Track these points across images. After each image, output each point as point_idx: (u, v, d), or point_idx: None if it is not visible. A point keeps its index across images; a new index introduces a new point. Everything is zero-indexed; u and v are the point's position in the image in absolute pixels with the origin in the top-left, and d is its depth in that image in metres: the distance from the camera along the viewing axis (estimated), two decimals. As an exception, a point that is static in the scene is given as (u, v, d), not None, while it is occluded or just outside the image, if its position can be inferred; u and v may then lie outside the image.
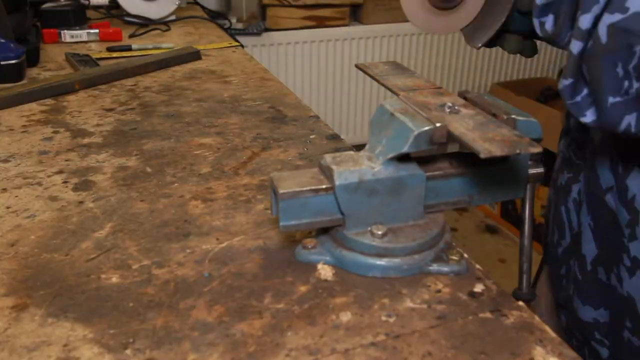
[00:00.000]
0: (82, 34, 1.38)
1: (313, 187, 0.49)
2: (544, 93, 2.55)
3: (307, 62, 2.78)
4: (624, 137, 0.56)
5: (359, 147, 0.56)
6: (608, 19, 0.49)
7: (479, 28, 0.67)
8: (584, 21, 0.51)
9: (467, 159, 0.55)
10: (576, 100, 0.54)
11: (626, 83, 0.51)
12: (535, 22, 0.59)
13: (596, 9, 0.50)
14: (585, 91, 0.54)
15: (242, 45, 1.36)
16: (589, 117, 0.54)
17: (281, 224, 0.49)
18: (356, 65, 0.67)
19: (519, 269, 0.59)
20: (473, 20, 0.65)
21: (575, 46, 0.52)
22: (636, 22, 0.48)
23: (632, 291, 0.66)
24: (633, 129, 0.52)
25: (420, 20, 0.63)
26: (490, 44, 0.69)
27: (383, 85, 0.65)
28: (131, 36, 1.43)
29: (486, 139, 0.47)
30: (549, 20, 0.58)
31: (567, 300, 0.76)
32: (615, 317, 0.70)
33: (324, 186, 0.49)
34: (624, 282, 0.66)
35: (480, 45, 0.67)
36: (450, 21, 0.64)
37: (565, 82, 0.54)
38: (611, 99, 0.52)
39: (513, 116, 0.53)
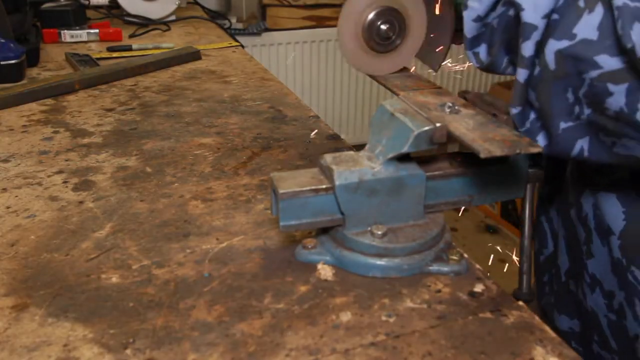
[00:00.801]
0: (82, 34, 1.38)
1: (313, 187, 0.49)
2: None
3: (307, 62, 2.78)
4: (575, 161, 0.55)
5: (359, 147, 0.56)
6: (554, 45, 0.48)
7: (429, 54, 0.68)
8: (526, 48, 0.50)
9: (467, 159, 0.55)
10: (526, 127, 0.53)
11: (577, 108, 0.50)
12: (469, 54, 0.58)
13: (536, 35, 0.49)
14: (532, 116, 0.53)
15: (242, 45, 1.36)
16: (540, 142, 0.53)
17: (281, 224, 0.49)
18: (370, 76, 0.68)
19: (519, 269, 0.59)
20: (420, 50, 0.66)
21: (521, 74, 0.51)
22: (584, 49, 0.47)
23: (594, 306, 0.66)
24: (586, 153, 0.52)
25: (359, 63, 0.64)
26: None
27: (383, 85, 0.65)
28: (131, 36, 1.43)
29: (486, 139, 0.47)
30: (482, 51, 0.57)
31: (548, 307, 0.77)
32: (585, 329, 0.70)
33: (324, 186, 0.49)
34: (587, 297, 0.67)
35: (437, 68, 0.68)
36: (389, 63, 0.65)
37: (514, 110, 0.53)
38: (563, 124, 0.51)
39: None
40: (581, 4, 0.48)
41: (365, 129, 2.90)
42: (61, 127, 0.84)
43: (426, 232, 0.51)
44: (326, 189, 0.49)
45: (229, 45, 1.35)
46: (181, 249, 0.54)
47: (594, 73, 0.47)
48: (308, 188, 0.49)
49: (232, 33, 1.87)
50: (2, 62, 1.04)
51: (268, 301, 0.46)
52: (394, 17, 0.62)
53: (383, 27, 0.62)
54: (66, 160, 0.73)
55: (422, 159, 0.53)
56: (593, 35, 0.47)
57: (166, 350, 0.41)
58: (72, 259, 0.52)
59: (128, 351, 0.41)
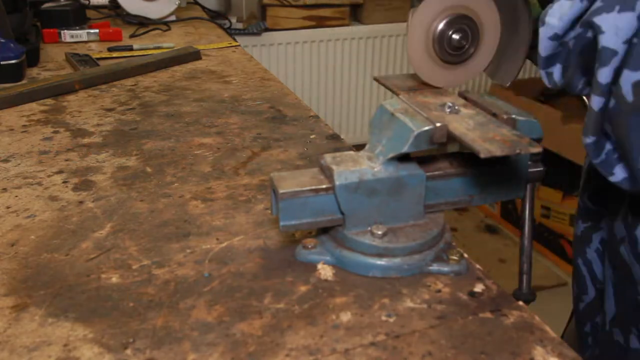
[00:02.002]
0: (82, 34, 1.38)
1: (313, 187, 0.49)
2: (544, 93, 2.55)
3: (307, 62, 2.78)
4: None
5: (359, 147, 0.56)
6: (631, 76, 0.44)
7: (500, 69, 0.64)
8: (603, 75, 0.46)
9: (467, 159, 0.55)
10: (602, 159, 0.49)
11: None
12: (542, 74, 0.54)
13: (615, 61, 0.45)
14: (608, 147, 0.49)
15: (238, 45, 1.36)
16: (618, 175, 0.49)
17: (281, 224, 0.49)
18: (375, 78, 0.65)
19: (519, 269, 0.59)
20: (490, 65, 0.62)
21: (596, 102, 0.47)
22: None
23: None
24: None
25: (427, 74, 0.59)
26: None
27: (383, 85, 0.65)
28: (132, 36, 1.43)
29: (486, 139, 0.47)
30: (556, 71, 0.53)
31: None
32: None
33: (324, 186, 0.49)
34: None
35: (508, 85, 0.64)
36: (459, 75, 0.61)
37: (588, 140, 0.49)
38: None
39: (513, 116, 0.53)
40: None
41: (365, 129, 2.90)
42: (61, 127, 0.84)
43: (426, 232, 0.51)
44: (326, 189, 0.49)
45: (229, 45, 1.35)
46: (181, 249, 0.54)
47: None
48: (308, 188, 0.49)
49: (232, 33, 1.87)
50: (2, 62, 1.04)
51: (268, 301, 0.46)
52: (467, 25, 0.58)
53: (455, 36, 0.57)
54: (66, 160, 0.73)
55: (422, 159, 0.53)
56: None
57: (166, 350, 0.41)
58: (72, 259, 0.52)
59: (128, 351, 0.41)
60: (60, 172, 0.70)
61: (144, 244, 0.54)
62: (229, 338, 0.42)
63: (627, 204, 0.60)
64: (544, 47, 0.52)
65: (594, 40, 0.47)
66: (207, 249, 0.53)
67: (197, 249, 0.54)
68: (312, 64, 2.79)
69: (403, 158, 0.50)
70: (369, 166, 0.50)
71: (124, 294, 0.47)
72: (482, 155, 0.45)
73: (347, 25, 2.80)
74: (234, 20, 2.52)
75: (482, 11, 0.59)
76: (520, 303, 0.46)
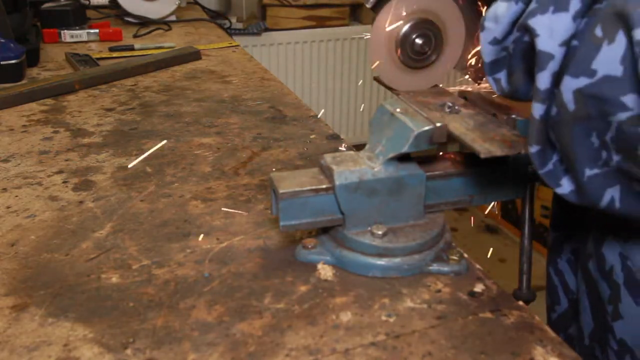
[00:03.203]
0: (82, 34, 1.38)
1: (313, 187, 0.49)
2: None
3: (307, 62, 2.78)
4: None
5: (359, 147, 0.56)
6: (572, 83, 0.41)
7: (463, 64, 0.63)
8: (541, 80, 0.43)
9: (467, 159, 0.55)
10: (548, 169, 0.46)
11: (604, 154, 0.43)
12: (490, 80, 0.51)
13: (553, 66, 0.42)
14: (555, 157, 0.46)
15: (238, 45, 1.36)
16: (565, 187, 0.46)
17: (281, 223, 0.49)
18: (375, 78, 0.64)
19: (519, 269, 0.59)
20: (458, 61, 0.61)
21: (537, 109, 0.44)
22: (608, 88, 0.40)
23: None
24: (617, 204, 0.44)
25: (390, 78, 0.59)
26: None
27: (383, 85, 0.65)
28: (135, 36, 1.43)
29: (486, 139, 0.47)
30: (503, 77, 0.50)
31: None
32: None
33: (324, 186, 0.49)
34: None
35: (479, 82, 0.63)
36: (423, 79, 0.60)
37: (532, 149, 0.46)
38: (588, 171, 0.44)
39: (513, 116, 0.53)
40: (598, 32, 0.40)
41: (365, 129, 2.89)
42: (61, 127, 0.84)
43: (426, 232, 0.51)
44: (326, 189, 0.49)
45: (229, 45, 1.35)
46: (181, 249, 0.54)
47: (622, 116, 0.40)
48: (308, 188, 0.49)
49: (232, 33, 1.87)
50: (2, 62, 1.04)
51: (268, 301, 0.46)
52: (430, 29, 0.57)
53: (418, 41, 0.57)
54: (66, 160, 0.73)
55: (422, 159, 0.53)
56: (617, 71, 0.39)
57: (166, 350, 0.41)
58: (72, 259, 0.52)
59: (128, 351, 0.41)
60: (60, 172, 0.70)
61: (144, 244, 0.54)
62: (229, 338, 0.42)
63: (594, 218, 0.58)
64: (486, 52, 0.49)
65: (532, 44, 0.44)
66: (207, 249, 0.53)
67: (197, 249, 0.54)
68: (312, 64, 2.79)
69: (403, 158, 0.50)
70: (369, 166, 0.50)
71: (124, 294, 0.47)
72: (482, 156, 0.45)
73: (347, 25, 2.80)
74: (234, 20, 2.52)
75: (446, 16, 0.57)
76: (520, 303, 0.46)
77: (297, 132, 0.82)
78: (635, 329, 0.54)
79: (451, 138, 0.49)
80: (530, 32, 0.43)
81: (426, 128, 0.48)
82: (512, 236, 2.59)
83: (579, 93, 0.41)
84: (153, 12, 1.56)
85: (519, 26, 0.45)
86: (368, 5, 0.56)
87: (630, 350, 0.55)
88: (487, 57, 0.49)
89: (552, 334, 0.42)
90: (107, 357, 0.41)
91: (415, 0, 0.57)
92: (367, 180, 0.49)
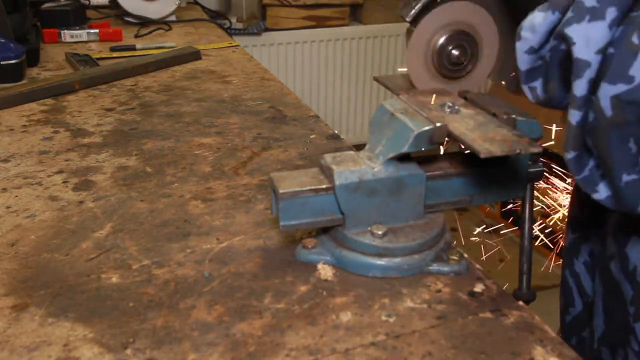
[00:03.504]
0: (82, 34, 1.38)
1: (313, 187, 0.49)
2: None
3: (307, 62, 2.78)
4: None
5: (359, 147, 0.56)
6: (610, 89, 0.42)
7: (503, 75, 0.64)
8: (578, 88, 0.44)
9: (467, 159, 0.55)
10: (585, 175, 0.47)
11: None
12: (525, 89, 0.52)
13: (589, 73, 0.43)
14: (592, 163, 0.47)
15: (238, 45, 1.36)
16: (602, 193, 0.47)
17: (281, 223, 0.49)
18: (375, 78, 0.64)
19: (519, 269, 0.59)
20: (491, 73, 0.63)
21: (574, 116, 0.45)
22: None
23: None
24: None
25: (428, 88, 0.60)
26: None
27: (383, 84, 0.65)
28: (136, 36, 1.43)
29: (486, 139, 0.47)
30: (539, 86, 0.52)
31: None
32: None
33: (324, 186, 0.49)
34: None
35: (513, 89, 0.63)
36: (459, 89, 0.61)
37: (569, 155, 0.47)
38: (626, 177, 0.44)
39: (513, 116, 0.53)
40: (635, 39, 0.41)
41: (365, 129, 2.89)
42: (61, 127, 0.84)
43: (426, 232, 0.51)
44: (326, 189, 0.49)
45: (229, 45, 1.35)
46: (181, 249, 0.54)
47: None
48: (308, 188, 0.49)
49: (232, 33, 1.87)
50: (2, 62, 1.04)
51: (268, 301, 0.46)
52: (466, 41, 0.58)
53: (454, 52, 0.58)
54: (66, 160, 0.73)
55: (422, 159, 0.53)
56: None
57: (166, 350, 0.41)
58: (72, 259, 0.52)
59: (128, 351, 0.41)
60: (60, 172, 0.70)
61: (144, 244, 0.54)
62: (229, 338, 0.42)
63: (617, 219, 0.58)
64: (522, 61, 0.50)
65: (568, 52, 0.46)
66: (207, 249, 0.53)
67: (197, 248, 0.54)
68: (312, 64, 2.79)
69: (403, 158, 0.50)
70: (369, 166, 0.50)
71: (124, 294, 0.47)
72: (482, 155, 0.45)
73: (347, 25, 2.80)
74: (234, 20, 2.52)
75: (481, 27, 0.59)
76: (520, 303, 0.46)
77: (297, 132, 0.82)
78: None
79: (451, 138, 0.49)
80: (566, 40, 0.44)
81: (426, 128, 0.48)
82: (512, 236, 2.59)
83: (616, 99, 0.42)
84: (153, 12, 1.56)
85: (556, 35, 0.46)
86: (408, 19, 0.58)
87: None
88: (523, 66, 0.50)
89: (552, 333, 0.42)
90: (107, 357, 0.41)
91: (451, 12, 0.58)
92: (367, 180, 0.49)
